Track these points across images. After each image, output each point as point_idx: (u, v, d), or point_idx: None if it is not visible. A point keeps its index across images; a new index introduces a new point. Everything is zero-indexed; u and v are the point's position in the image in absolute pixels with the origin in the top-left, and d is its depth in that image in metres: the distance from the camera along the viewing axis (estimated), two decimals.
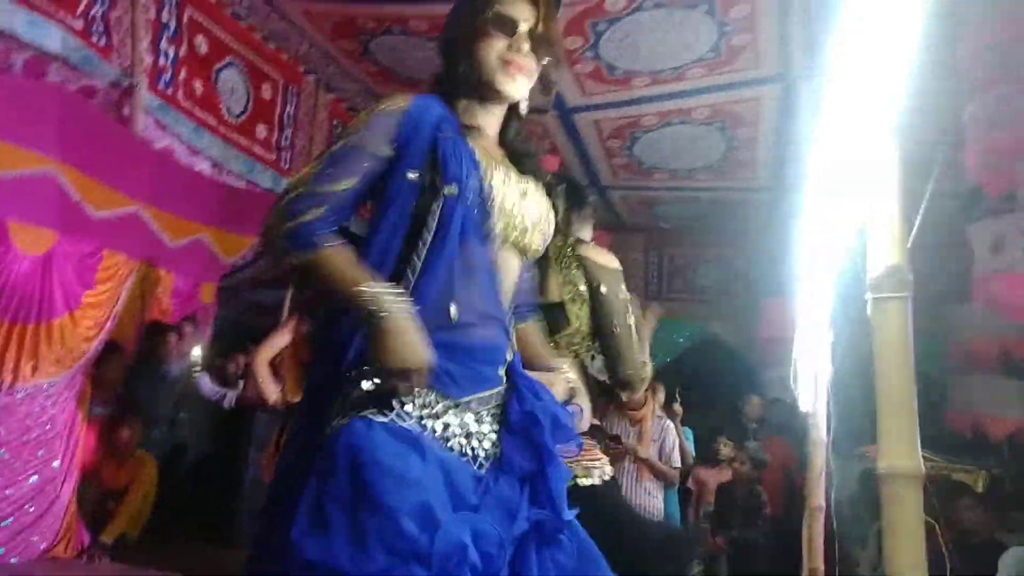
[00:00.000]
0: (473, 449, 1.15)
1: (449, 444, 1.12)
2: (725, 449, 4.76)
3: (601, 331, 1.86)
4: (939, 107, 3.32)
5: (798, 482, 3.58)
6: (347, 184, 1.17)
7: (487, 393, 1.18)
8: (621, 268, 1.92)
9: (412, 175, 1.18)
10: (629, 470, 3.94)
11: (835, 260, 2.28)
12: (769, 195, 5.51)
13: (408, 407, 1.10)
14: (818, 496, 3.09)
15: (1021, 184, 3.12)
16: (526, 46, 1.25)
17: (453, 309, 1.16)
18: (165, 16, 3.28)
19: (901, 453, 1.22)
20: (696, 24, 3.52)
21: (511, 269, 1.27)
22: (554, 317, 1.81)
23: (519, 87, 1.26)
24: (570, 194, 2.02)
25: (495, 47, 1.24)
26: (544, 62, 1.29)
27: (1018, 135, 3.00)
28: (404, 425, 1.09)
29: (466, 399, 1.16)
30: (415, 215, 1.17)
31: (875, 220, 1.29)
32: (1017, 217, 3.02)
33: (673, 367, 6.94)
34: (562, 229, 1.84)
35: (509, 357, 1.24)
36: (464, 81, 1.27)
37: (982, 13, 2.90)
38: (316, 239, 1.13)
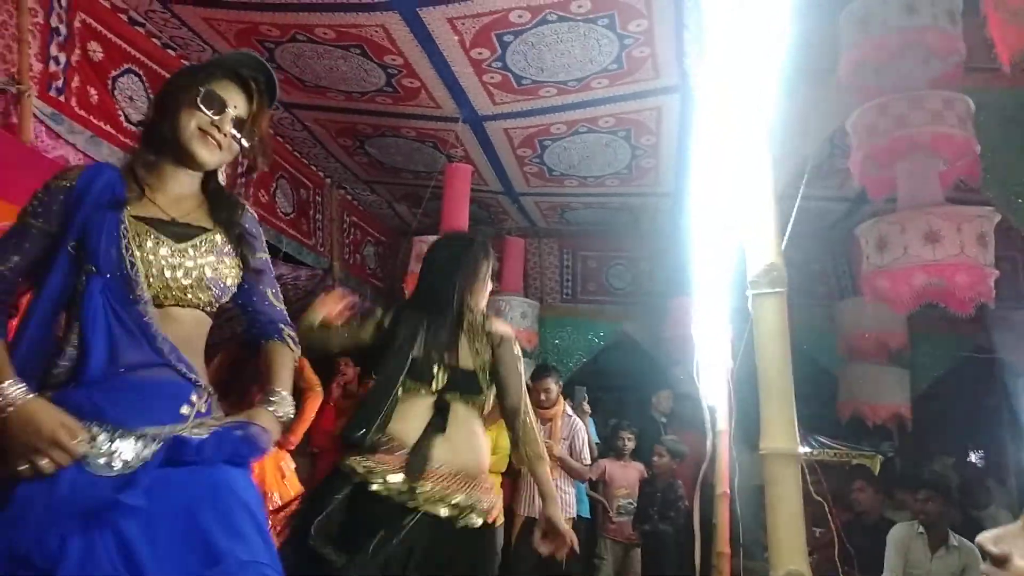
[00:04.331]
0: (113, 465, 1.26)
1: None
2: (629, 443, 4.93)
3: (495, 372, 2.25)
4: (824, 115, 3.56)
5: (707, 473, 3.75)
6: (12, 263, 1.34)
7: (164, 428, 1.31)
8: (513, 334, 2.33)
9: (71, 248, 1.33)
10: None
11: (727, 260, 2.42)
12: (672, 200, 5.73)
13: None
14: (723, 484, 3.26)
15: (899, 187, 3.37)
16: (228, 126, 1.43)
17: (122, 367, 1.30)
18: (55, 21, 3.14)
19: (780, 435, 1.33)
20: (598, 37, 3.65)
21: (184, 322, 1.40)
22: (467, 380, 2.19)
23: (212, 158, 1.43)
24: (468, 263, 2.32)
25: (197, 117, 1.40)
26: (247, 148, 1.47)
27: (894, 142, 3.25)
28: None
29: (140, 429, 1.29)
30: (71, 290, 1.32)
31: (752, 222, 1.40)
32: (898, 217, 3.26)
33: (590, 366, 7.12)
34: (461, 295, 2.24)
35: (197, 398, 1.38)
36: (163, 140, 1.42)
37: (862, 33, 3.13)
38: None
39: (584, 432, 4.37)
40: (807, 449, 4.84)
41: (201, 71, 1.46)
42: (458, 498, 2.05)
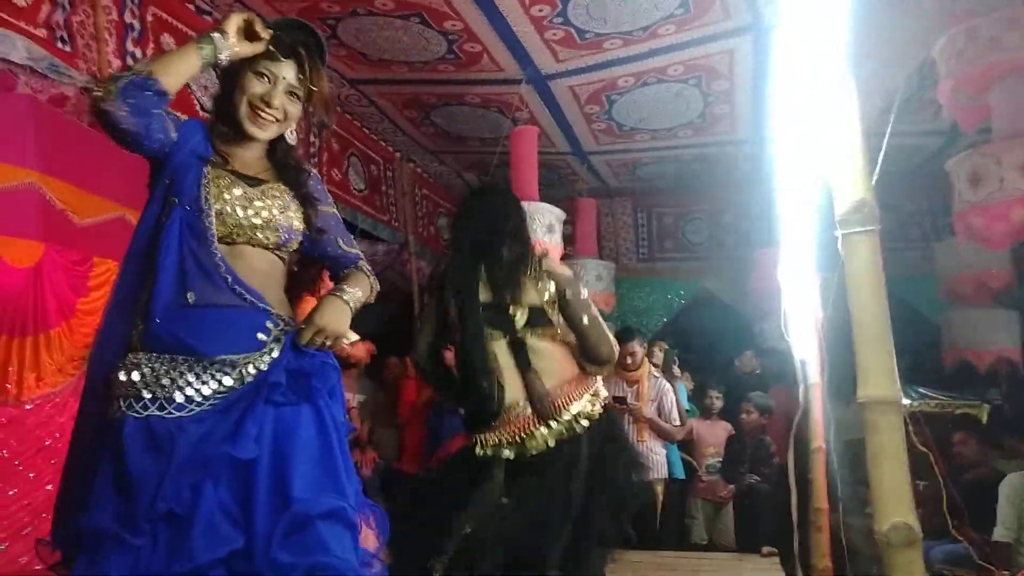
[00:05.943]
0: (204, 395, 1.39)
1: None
2: (717, 402, 4.84)
3: (572, 325, 2.30)
4: (910, 44, 3.32)
5: (800, 427, 3.63)
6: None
7: (240, 355, 1.43)
8: (574, 274, 2.37)
9: (167, 181, 1.47)
10: (628, 430, 4.01)
11: (813, 204, 2.30)
12: (750, 147, 5.51)
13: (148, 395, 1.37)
14: (818, 438, 3.16)
15: (994, 116, 3.12)
16: (279, 99, 1.54)
17: (190, 296, 1.42)
18: (128, 17, 3.25)
19: (879, 382, 1.26)
20: None
21: (255, 260, 1.52)
22: (537, 315, 2.25)
23: (265, 132, 1.57)
24: (516, 206, 2.42)
25: (249, 96, 1.53)
26: (311, 109, 1.63)
27: (987, 67, 3.00)
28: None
29: (219, 358, 1.41)
30: (158, 222, 1.45)
31: (839, 157, 1.32)
32: (993, 148, 3.03)
33: (671, 327, 7.01)
34: (520, 241, 2.32)
35: (273, 325, 1.48)
36: (226, 117, 1.57)
37: None
38: (133, 70, 1.42)
39: (672, 393, 4.31)
40: (906, 400, 4.62)
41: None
42: (542, 429, 2.16)
